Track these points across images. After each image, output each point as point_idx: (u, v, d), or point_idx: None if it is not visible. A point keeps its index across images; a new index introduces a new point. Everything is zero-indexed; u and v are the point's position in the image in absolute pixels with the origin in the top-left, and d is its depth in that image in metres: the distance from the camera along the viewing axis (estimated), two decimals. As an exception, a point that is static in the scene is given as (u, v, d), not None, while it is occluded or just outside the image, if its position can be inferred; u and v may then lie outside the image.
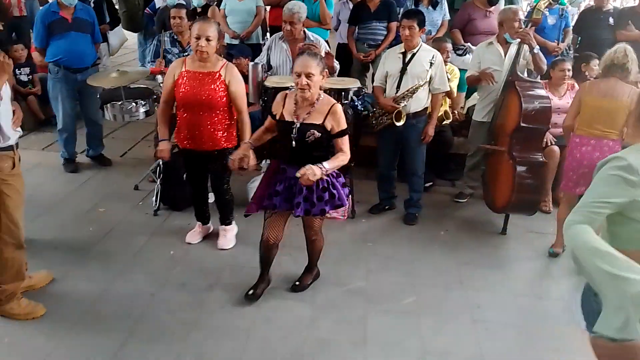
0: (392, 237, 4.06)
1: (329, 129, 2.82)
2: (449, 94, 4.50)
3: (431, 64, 3.88)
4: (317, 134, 2.79)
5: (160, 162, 4.35)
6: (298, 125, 2.81)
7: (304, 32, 4.30)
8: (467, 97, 5.13)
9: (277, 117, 2.93)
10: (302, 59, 2.76)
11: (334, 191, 2.92)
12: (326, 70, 2.85)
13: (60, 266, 3.40)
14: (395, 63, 3.99)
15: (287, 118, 2.87)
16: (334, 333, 2.97)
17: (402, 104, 3.93)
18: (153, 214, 4.15)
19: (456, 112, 4.83)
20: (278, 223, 3.04)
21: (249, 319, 3.02)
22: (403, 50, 3.96)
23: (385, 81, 4.07)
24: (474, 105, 4.64)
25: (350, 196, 4.29)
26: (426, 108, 4.05)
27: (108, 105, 4.06)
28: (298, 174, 2.66)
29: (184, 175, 3.91)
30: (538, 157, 3.95)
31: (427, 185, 4.64)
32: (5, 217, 2.75)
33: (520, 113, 3.81)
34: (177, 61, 3.45)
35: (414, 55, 3.92)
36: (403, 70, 3.94)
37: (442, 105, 4.51)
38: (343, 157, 2.87)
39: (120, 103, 3.99)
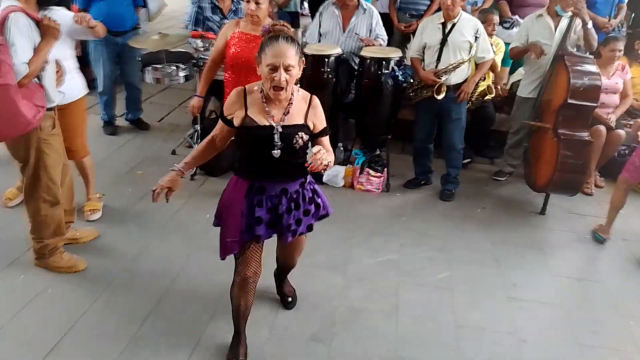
0: (426, 212, 4.00)
1: (311, 129, 2.25)
2: (492, 68, 4.36)
3: (476, 37, 3.76)
4: (305, 137, 2.19)
5: (198, 128, 4.38)
6: (280, 130, 2.15)
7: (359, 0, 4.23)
8: (511, 72, 4.96)
9: (239, 123, 2.18)
10: (277, 47, 2.05)
11: (319, 200, 2.42)
12: (303, 59, 2.20)
13: (98, 225, 3.48)
14: (434, 34, 3.86)
15: (259, 122, 2.16)
16: (365, 303, 2.96)
17: (443, 78, 3.82)
18: (190, 179, 4.19)
19: (499, 87, 4.67)
20: (257, 254, 2.38)
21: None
22: (442, 20, 3.83)
23: (423, 52, 3.96)
24: (518, 81, 4.49)
25: (385, 169, 4.27)
26: (466, 79, 3.93)
27: (149, 68, 4.08)
28: (310, 158, 2.02)
29: None
30: (584, 135, 3.80)
31: (465, 162, 4.55)
32: (44, 175, 2.83)
33: (567, 89, 3.67)
34: (231, 22, 3.45)
35: (454, 25, 3.79)
36: (443, 42, 3.82)
37: (485, 79, 4.39)
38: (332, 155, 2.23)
39: (161, 66, 4.00)
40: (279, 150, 2.15)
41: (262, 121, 2.15)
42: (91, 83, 5.67)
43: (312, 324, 2.77)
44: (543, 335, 2.82)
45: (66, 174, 3.12)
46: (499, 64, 4.64)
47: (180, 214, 3.68)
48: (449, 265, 3.35)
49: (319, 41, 4.31)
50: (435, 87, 3.83)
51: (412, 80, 4.09)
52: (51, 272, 2.99)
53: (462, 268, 3.33)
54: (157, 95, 5.98)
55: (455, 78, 3.87)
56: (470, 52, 3.81)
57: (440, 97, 3.84)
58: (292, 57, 2.06)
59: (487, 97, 4.49)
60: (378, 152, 4.35)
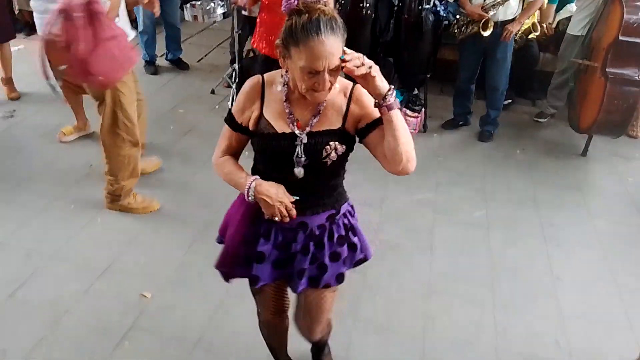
0: (464, 153, 3.97)
1: (353, 134, 1.53)
2: (539, 5, 4.16)
3: None
4: (341, 148, 1.51)
5: (236, 68, 4.40)
6: (304, 139, 1.48)
7: None
8: (558, 9, 4.72)
9: (253, 126, 1.54)
10: (319, 44, 1.31)
11: (355, 239, 1.71)
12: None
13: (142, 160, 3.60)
14: None
15: (278, 127, 1.51)
16: (401, 238, 3.01)
17: (491, 13, 3.67)
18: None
19: (544, 25, 4.47)
20: (277, 292, 1.85)
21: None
22: None
23: None
24: (565, 19, 4.31)
25: (423, 109, 4.21)
26: (515, 17, 3.78)
27: (187, 5, 4.08)
28: (347, 56, 1.30)
29: None
30: (634, 75, 3.64)
31: (506, 103, 4.44)
32: (121, 114, 2.83)
33: (620, 25, 3.49)
34: None
35: None
36: None
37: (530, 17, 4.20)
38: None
39: (199, 3, 3.99)
40: (302, 169, 1.51)
41: (282, 127, 1.50)
42: (132, 23, 5.77)
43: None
44: (579, 275, 2.82)
45: (141, 110, 3.20)
46: (545, 0, 4.43)
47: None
48: (486, 204, 3.35)
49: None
50: (482, 23, 3.69)
51: (457, 17, 3.95)
52: (100, 205, 3.13)
53: (499, 207, 3.32)
54: (196, 36, 5.99)
55: (503, 14, 3.71)
56: None
57: (486, 33, 3.70)
58: (338, 50, 1.33)
59: (531, 36, 4.32)
60: (416, 92, 4.29)
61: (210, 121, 4.20)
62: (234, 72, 4.45)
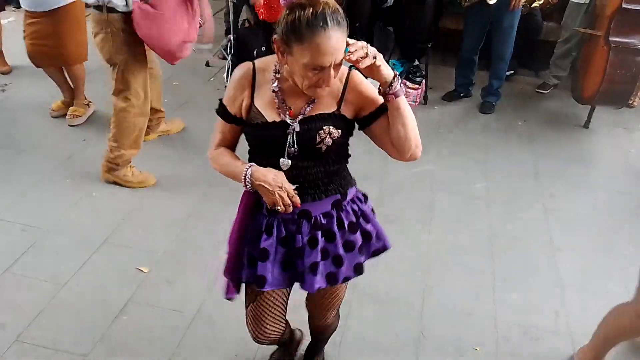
0: (465, 124, 3.92)
1: (350, 118, 1.45)
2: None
3: None
4: (336, 132, 1.42)
5: (231, 39, 4.30)
6: (297, 128, 1.40)
7: None
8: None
9: (245, 114, 1.46)
10: (325, 39, 1.23)
11: (368, 226, 1.60)
12: None
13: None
14: None
15: (268, 116, 1.42)
16: (400, 210, 2.98)
17: None
18: (224, 90, 4.17)
19: (548, -6, 4.37)
20: (273, 308, 1.69)
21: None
22: None
23: None
24: (570, -14, 4.19)
25: (424, 81, 4.14)
26: None
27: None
28: (352, 47, 1.26)
29: (255, 52, 3.85)
30: (637, 44, 3.57)
31: (509, 73, 4.36)
32: (133, 81, 2.85)
33: (624, -8, 3.42)
34: None
35: None
36: None
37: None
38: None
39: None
40: (289, 161, 1.43)
41: (272, 116, 1.42)
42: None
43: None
44: (579, 245, 2.81)
45: (155, 77, 3.25)
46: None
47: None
48: (486, 176, 3.31)
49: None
50: None
51: None
52: (95, 176, 3.10)
53: (499, 179, 3.29)
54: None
55: None
56: None
57: (492, 1, 3.61)
58: (344, 44, 1.27)
59: (535, 4, 4.21)
60: (417, 62, 4.21)
61: (205, 93, 4.13)
62: (229, 43, 4.35)
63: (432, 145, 3.60)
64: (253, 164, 1.46)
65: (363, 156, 3.30)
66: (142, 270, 2.48)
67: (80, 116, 3.63)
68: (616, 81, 3.58)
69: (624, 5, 3.45)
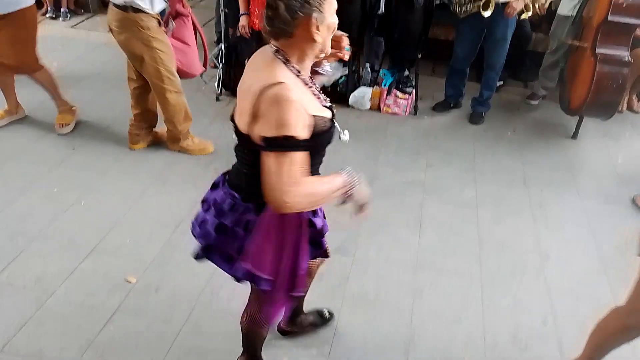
0: (455, 134, 3.95)
1: None
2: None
3: None
4: None
5: (222, 47, 4.31)
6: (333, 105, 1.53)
7: None
8: (551, -11, 4.69)
9: (310, 134, 1.38)
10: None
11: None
12: None
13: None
14: None
15: (325, 113, 1.45)
16: (389, 218, 2.99)
17: None
18: (215, 99, 4.19)
19: (537, 5, 4.42)
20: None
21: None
22: None
23: None
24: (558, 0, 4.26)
25: (414, 90, 4.17)
26: None
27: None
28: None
29: (246, 61, 3.86)
30: (623, 56, 3.62)
31: (498, 84, 4.41)
32: (164, 70, 3.08)
33: (609, 4, 3.47)
34: None
35: None
36: None
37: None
38: None
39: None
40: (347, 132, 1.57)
41: (322, 109, 1.44)
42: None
43: (336, 238, 2.82)
44: (567, 252, 2.83)
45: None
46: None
47: (208, 131, 3.69)
48: (476, 184, 3.33)
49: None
50: (483, 2, 3.63)
51: None
52: (84, 186, 3.09)
53: (488, 187, 3.31)
54: (182, 15, 5.88)
55: None
56: None
57: (487, 13, 3.62)
58: None
59: (524, 16, 4.26)
60: (407, 72, 4.24)
61: (197, 102, 4.11)
62: (220, 52, 4.37)
63: (421, 154, 3.62)
64: (344, 177, 1.48)
65: (353, 163, 3.33)
66: (129, 281, 2.46)
67: (68, 124, 3.59)
68: (603, 92, 3.62)
69: (609, 18, 3.50)
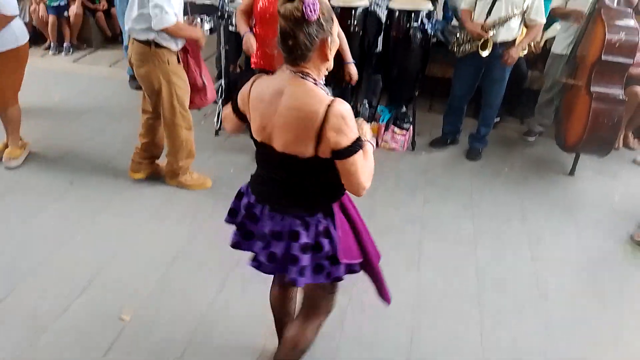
0: (452, 170, 3.96)
1: None
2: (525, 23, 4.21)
3: None
4: None
5: (222, 83, 4.37)
6: None
7: None
8: (545, 28, 4.78)
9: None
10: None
11: None
12: None
13: (127, 173, 3.53)
14: None
15: None
16: (387, 256, 2.90)
17: (491, 33, 3.69)
18: (215, 134, 4.22)
19: (532, 44, 4.51)
20: None
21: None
22: None
23: (475, 4, 3.79)
24: (553, 38, 4.35)
25: (411, 126, 4.21)
26: (515, 39, 3.78)
27: (174, 20, 4.05)
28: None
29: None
30: (617, 94, 3.68)
31: (495, 120, 4.45)
32: (178, 105, 3.17)
33: (602, 44, 3.54)
34: None
35: None
36: None
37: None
38: None
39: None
40: None
41: None
42: (118, 37, 5.78)
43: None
44: (566, 292, 2.80)
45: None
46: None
47: (206, 166, 3.70)
48: (473, 221, 3.33)
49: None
50: (481, 42, 3.70)
51: (457, 34, 3.97)
52: (80, 221, 3.08)
53: (486, 224, 3.31)
54: (183, 51, 5.98)
55: (503, 35, 3.70)
56: (522, 6, 3.60)
57: (485, 53, 3.70)
58: None
59: (520, 54, 4.35)
60: (404, 109, 4.29)
61: (196, 136, 4.07)
62: (220, 88, 4.42)
63: (419, 190, 3.62)
64: (369, 142, 1.69)
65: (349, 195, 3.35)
66: (123, 319, 2.42)
67: (17, 157, 3.58)
68: (599, 130, 3.66)
69: (603, 57, 3.57)
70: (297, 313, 1.99)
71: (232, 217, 1.83)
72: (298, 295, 2.05)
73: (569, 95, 3.98)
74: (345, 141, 1.51)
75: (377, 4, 4.16)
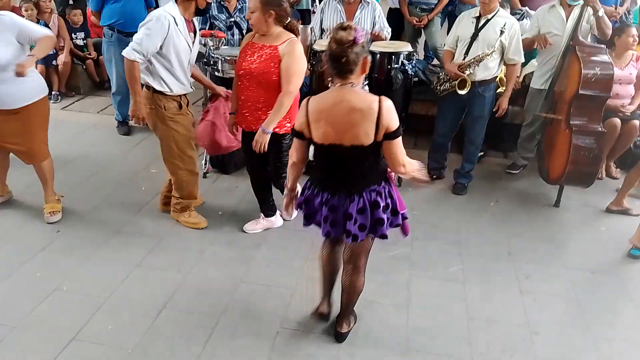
0: (439, 206, 3.99)
1: None
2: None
3: (501, 32, 3.67)
4: None
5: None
6: None
7: None
8: (524, 64, 4.90)
9: None
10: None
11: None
12: None
13: (114, 221, 3.54)
14: (467, 27, 3.83)
15: None
16: (377, 295, 2.96)
17: (467, 72, 3.78)
18: (202, 176, 4.23)
19: (511, 80, 4.63)
20: None
21: (293, 278, 3.06)
22: (478, 14, 3.79)
23: (457, 45, 3.92)
24: (531, 73, 4.46)
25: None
26: (495, 77, 3.89)
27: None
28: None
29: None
30: (597, 127, 3.76)
31: (479, 155, 4.52)
32: (175, 148, 3.27)
33: (579, 79, 3.64)
34: (250, 34, 3.24)
35: (488, 21, 3.74)
36: (474, 36, 3.77)
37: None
38: None
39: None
40: None
41: None
42: (105, 84, 5.84)
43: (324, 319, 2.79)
44: (557, 328, 2.80)
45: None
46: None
47: (195, 208, 3.71)
48: (462, 258, 3.34)
49: (321, 37, 4.32)
50: (458, 82, 3.80)
51: (439, 74, 4.07)
52: (66, 272, 3.06)
53: (474, 261, 3.31)
54: (170, 95, 6.05)
55: (481, 74, 3.80)
56: (495, 46, 3.70)
57: (462, 92, 3.79)
58: None
59: (499, 90, 4.45)
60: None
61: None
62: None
63: (407, 227, 3.63)
64: (421, 168, 2.43)
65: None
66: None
67: (58, 211, 3.55)
68: (581, 162, 3.72)
69: (580, 92, 3.66)
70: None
71: (308, 220, 2.40)
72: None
73: (550, 130, 4.06)
74: (394, 125, 2.11)
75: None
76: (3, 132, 3.29)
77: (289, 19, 3.03)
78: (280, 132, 3.10)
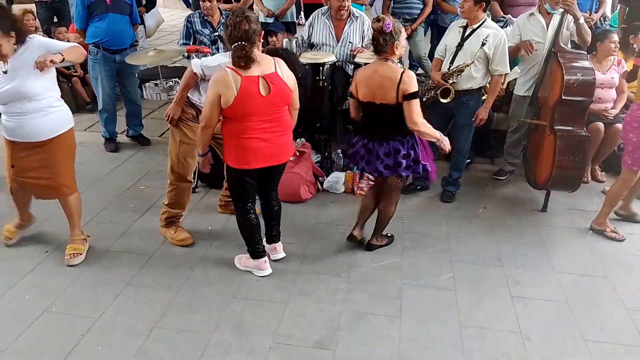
0: (427, 214, 4.01)
1: None
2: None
3: (483, 43, 3.71)
4: None
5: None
6: None
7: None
8: (508, 71, 4.97)
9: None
10: None
11: None
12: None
13: (103, 240, 3.52)
14: (454, 36, 3.87)
15: None
16: (369, 306, 2.97)
17: (450, 81, 3.82)
18: (192, 192, 4.21)
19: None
20: None
21: (285, 292, 3.05)
22: (465, 24, 3.83)
23: (445, 54, 3.96)
24: (515, 80, 4.51)
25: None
26: (480, 87, 3.93)
27: (147, 84, 4.12)
28: None
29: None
30: (580, 131, 3.81)
31: (466, 161, 4.55)
32: (180, 151, 3.37)
33: (562, 85, 3.69)
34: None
35: (474, 31, 3.78)
36: (459, 45, 3.82)
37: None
38: None
39: (158, 82, 4.04)
40: None
41: None
42: (92, 102, 5.82)
43: (316, 330, 2.78)
44: (548, 332, 2.81)
45: None
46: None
47: (183, 224, 3.69)
48: (452, 265, 3.36)
49: (311, 50, 4.36)
50: (440, 91, 3.83)
51: (424, 82, 4.11)
52: (57, 292, 3.03)
53: (465, 268, 3.33)
54: (157, 110, 6.04)
55: (466, 83, 3.84)
56: (474, 57, 3.74)
57: (444, 100, 3.83)
58: None
59: (484, 98, 4.50)
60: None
61: (173, 196, 4.15)
62: (196, 146, 4.46)
63: (397, 238, 3.64)
64: (441, 135, 3.17)
65: (329, 250, 3.37)
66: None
67: (80, 254, 3.31)
68: (566, 167, 3.76)
69: (563, 97, 3.71)
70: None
71: (352, 158, 3.33)
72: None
73: (535, 135, 4.10)
74: (411, 89, 2.91)
75: (345, 60, 4.30)
76: (26, 167, 3.12)
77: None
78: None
